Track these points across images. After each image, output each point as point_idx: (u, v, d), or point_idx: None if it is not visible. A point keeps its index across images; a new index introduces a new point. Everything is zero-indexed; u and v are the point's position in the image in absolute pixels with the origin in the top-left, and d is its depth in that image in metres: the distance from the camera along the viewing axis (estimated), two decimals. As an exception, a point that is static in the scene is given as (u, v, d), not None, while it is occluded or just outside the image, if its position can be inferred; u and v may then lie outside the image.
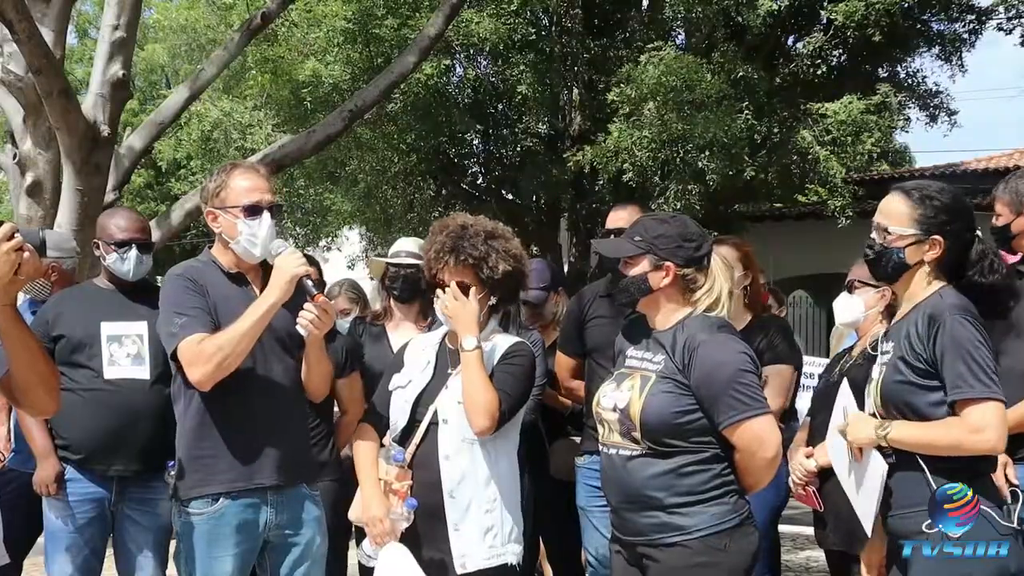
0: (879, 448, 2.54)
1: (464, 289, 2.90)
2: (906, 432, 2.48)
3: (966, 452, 2.42)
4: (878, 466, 2.54)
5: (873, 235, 2.63)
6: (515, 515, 2.93)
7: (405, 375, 3.02)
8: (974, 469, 2.45)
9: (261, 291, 2.99)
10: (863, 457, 2.61)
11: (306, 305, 2.91)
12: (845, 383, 2.85)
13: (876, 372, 2.61)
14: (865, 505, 2.63)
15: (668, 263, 2.68)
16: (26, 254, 2.13)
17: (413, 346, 3.13)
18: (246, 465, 2.88)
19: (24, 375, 2.26)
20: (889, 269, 2.61)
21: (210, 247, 3.10)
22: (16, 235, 2.11)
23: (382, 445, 3.02)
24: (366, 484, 2.98)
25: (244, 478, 2.87)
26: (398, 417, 2.98)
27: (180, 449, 2.94)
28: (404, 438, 2.95)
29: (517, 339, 3.03)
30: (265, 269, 3.06)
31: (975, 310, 2.48)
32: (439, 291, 2.92)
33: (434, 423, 2.91)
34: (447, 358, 3.00)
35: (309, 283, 2.90)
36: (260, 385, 2.92)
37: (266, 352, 2.92)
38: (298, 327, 2.94)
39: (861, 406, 3.45)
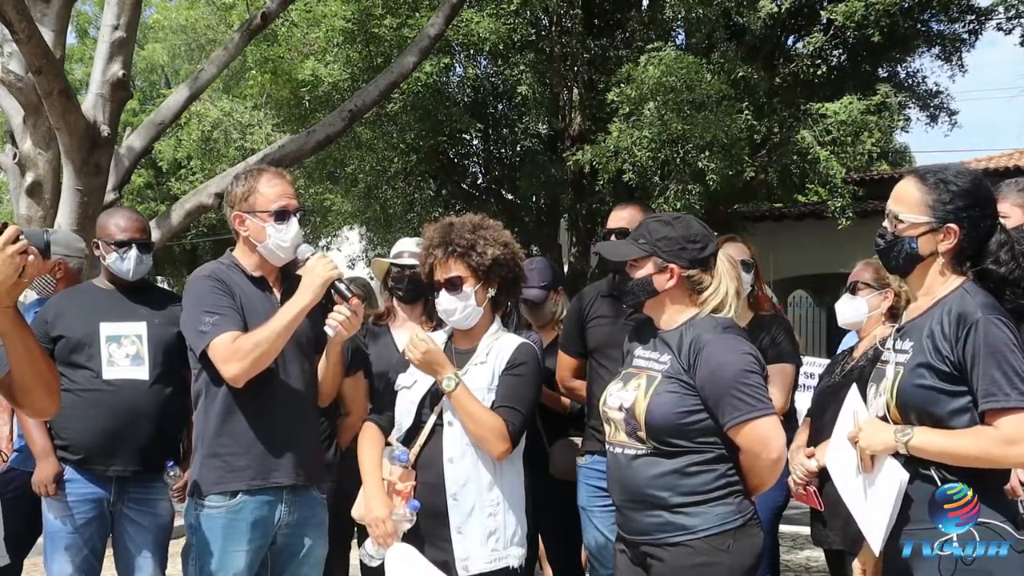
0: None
1: (458, 283, 2.91)
2: (930, 440, 2.27)
3: (996, 465, 2.24)
4: (895, 476, 2.32)
5: (885, 223, 2.43)
6: (519, 518, 2.93)
7: (411, 375, 3.02)
8: (990, 482, 2.27)
9: (281, 294, 3.07)
10: (874, 466, 2.39)
11: (338, 307, 2.97)
12: (854, 388, 2.62)
13: (891, 372, 2.39)
14: (874, 518, 2.38)
15: (672, 265, 2.67)
16: (30, 257, 2.13)
17: None
18: (265, 463, 2.93)
19: (24, 376, 2.27)
20: (901, 261, 2.39)
21: (231, 249, 3.17)
22: (21, 237, 2.11)
23: (387, 444, 3.02)
24: (369, 484, 2.99)
25: (263, 476, 2.93)
26: (403, 417, 2.98)
27: (201, 446, 2.99)
28: (409, 439, 2.95)
29: (521, 340, 3.02)
30: (283, 273, 3.14)
31: (1003, 308, 2.28)
32: (407, 346, 2.93)
33: (439, 424, 2.91)
34: (453, 359, 2.99)
35: (343, 286, 2.96)
36: (280, 386, 2.98)
37: (286, 354, 2.97)
38: (327, 328, 2.99)
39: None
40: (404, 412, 2.98)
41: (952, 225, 2.32)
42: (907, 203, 2.38)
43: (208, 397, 2.97)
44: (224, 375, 2.88)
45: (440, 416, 2.91)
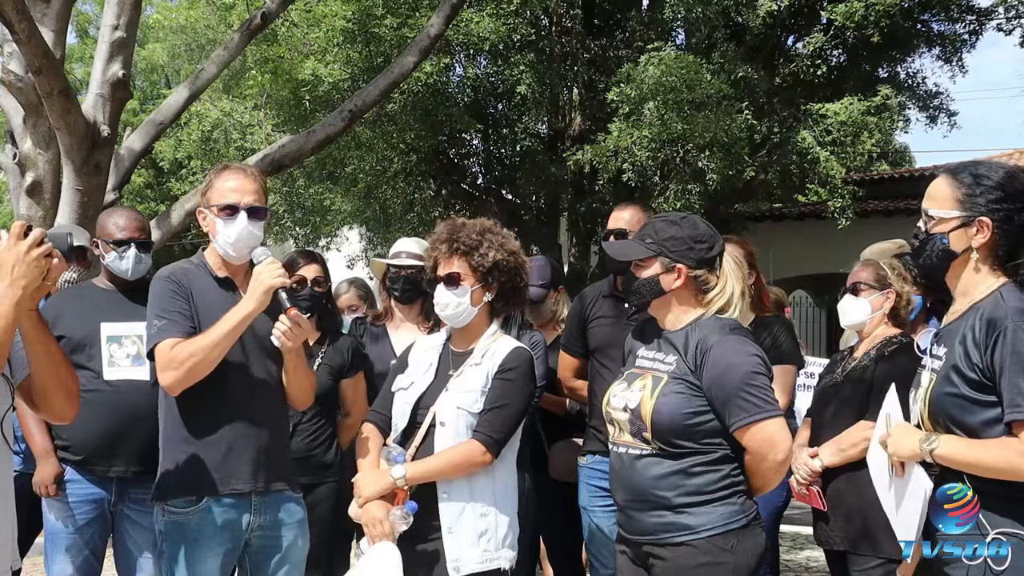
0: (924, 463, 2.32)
1: (455, 279, 2.91)
2: (955, 448, 2.23)
3: (1020, 477, 2.15)
4: (921, 484, 2.31)
5: (919, 223, 2.37)
6: (511, 520, 2.93)
7: (408, 376, 3.03)
8: None
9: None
10: (904, 472, 2.38)
11: (281, 317, 2.90)
12: (892, 389, 2.57)
13: (926, 379, 2.35)
14: (905, 526, 2.39)
15: (680, 265, 2.67)
16: (55, 260, 2.14)
17: (418, 348, 3.14)
18: (223, 470, 2.88)
19: (44, 380, 2.28)
20: (934, 259, 2.32)
21: (203, 249, 3.12)
22: (45, 241, 2.12)
23: (385, 445, 3.02)
24: None
25: (221, 483, 2.88)
26: (399, 418, 2.98)
27: (163, 450, 2.96)
28: (405, 439, 2.96)
29: (516, 344, 3.01)
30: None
31: None
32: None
33: (434, 425, 2.90)
34: (449, 360, 3.00)
35: (284, 295, 2.89)
36: (239, 390, 2.92)
37: (249, 357, 2.93)
38: (272, 338, 2.93)
39: (861, 412, 3.45)
40: (400, 413, 2.98)
41: (984, 218, 2.25)
42: (938, 199, 2.33)
43: (168, 401, 2.93)
44: (160, 382, 2.84)
45: (434, 417, 2.91)
